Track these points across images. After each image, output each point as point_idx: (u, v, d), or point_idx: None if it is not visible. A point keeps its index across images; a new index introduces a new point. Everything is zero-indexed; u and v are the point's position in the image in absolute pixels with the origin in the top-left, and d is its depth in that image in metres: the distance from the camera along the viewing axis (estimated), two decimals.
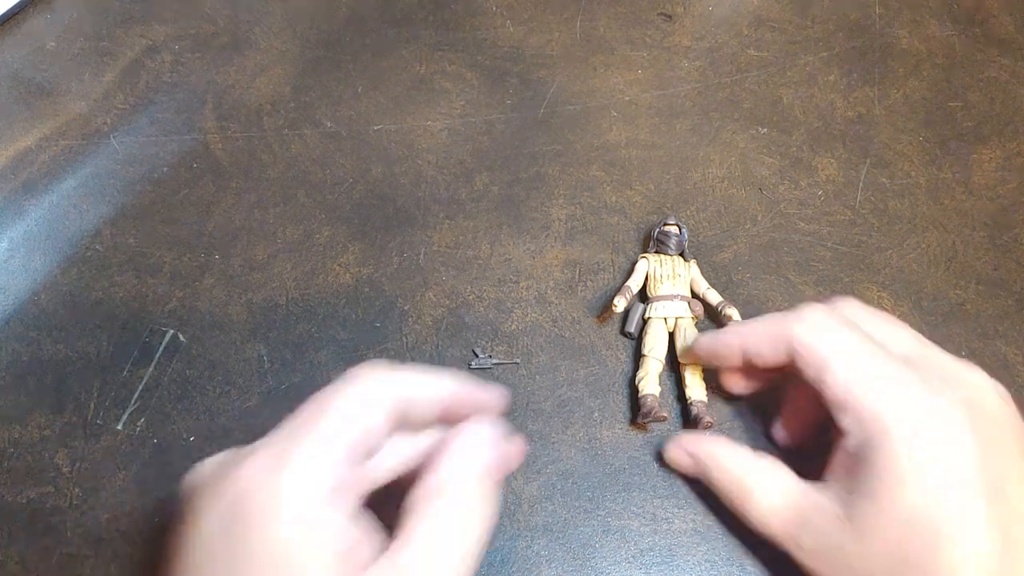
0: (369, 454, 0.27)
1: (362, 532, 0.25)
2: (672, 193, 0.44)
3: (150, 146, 0.46)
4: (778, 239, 0.43)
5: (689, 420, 0.36)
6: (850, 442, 0.29)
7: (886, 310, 0.40)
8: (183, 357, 0.39)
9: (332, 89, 0.48)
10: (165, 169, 0.45)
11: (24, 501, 0.35)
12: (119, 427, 0.37)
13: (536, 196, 0.44)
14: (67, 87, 0.48)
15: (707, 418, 0.35)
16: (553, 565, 0.34)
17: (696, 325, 0.39)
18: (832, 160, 0.46)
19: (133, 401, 0.37)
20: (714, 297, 0.39)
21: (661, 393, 0.37)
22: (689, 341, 0.37)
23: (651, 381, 0.37)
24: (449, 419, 0.29)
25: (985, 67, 0.50)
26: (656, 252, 0.40)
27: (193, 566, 0.24)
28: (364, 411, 0.26)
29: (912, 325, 0.39)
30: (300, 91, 0.48)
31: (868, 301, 0.40)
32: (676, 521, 0.34)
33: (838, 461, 0.30)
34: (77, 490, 0.35)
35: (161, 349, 0.39)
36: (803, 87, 0.49)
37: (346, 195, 0.44)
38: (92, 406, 0.37)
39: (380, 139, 0.46)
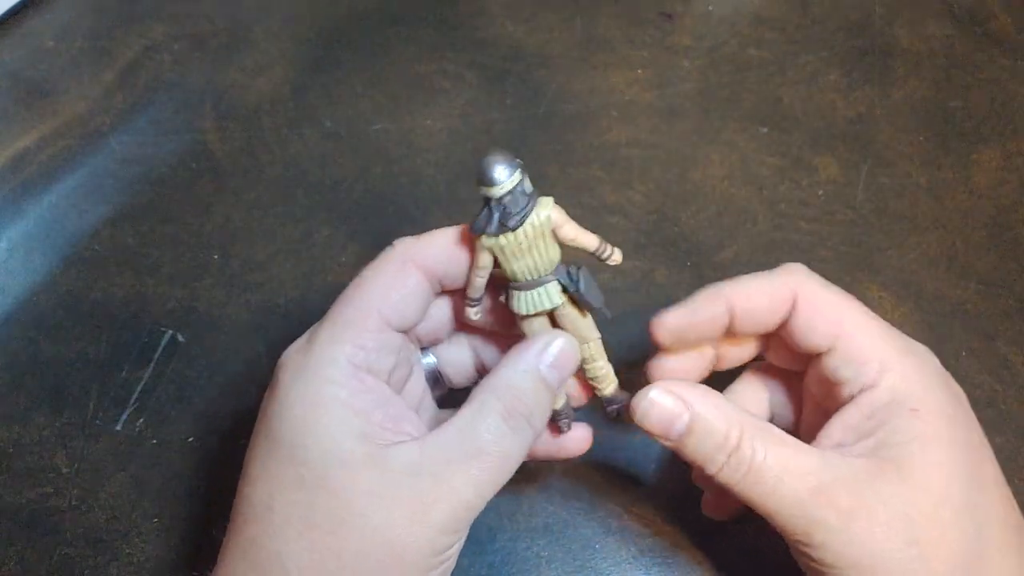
0: (409, 318, 0.27)
1: (395, 409, 0.26)
2: (672, 193, 0.44)
3: (149, 146, 0.46)
4: (778, 239, 0.43)
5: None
6: (865, 401, 0.26)
7: (886, 310, 0.40)
8: (182, 357, 0.38)
9: (332, 89, 0.48)
10: (164, 169, 0.45)
11: (24, 501, 0.35)
12: (118, 427, 0.37)
13: None
14: (66, 87, 0.48)
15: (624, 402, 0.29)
16: (553, 566, 0.33)
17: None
18: (832, 160, 0.46)
19: (132, 402, 0.37)
20: (589, 240, 0.27)
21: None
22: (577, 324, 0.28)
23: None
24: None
25: (985, 67, 0.50)
26: (497, 233, 0.27)
27: (255, 446, 0.26)
28: (395, 276, 0.27)
29: (912, 325, 0.40)
30: (299, 91, 0.48)
31: (868, 301, 0.40)
32: (676, 521, 0.34)
33: (843, 424, 0.27)
34: (76, 490, 0.35)
35: (160, 349, 0.39)
36: (803, 87, 0.49)
37: (345, 195, 0.44)
38: (91, 407, 0.37)
39: (379, 139, 0.46)
